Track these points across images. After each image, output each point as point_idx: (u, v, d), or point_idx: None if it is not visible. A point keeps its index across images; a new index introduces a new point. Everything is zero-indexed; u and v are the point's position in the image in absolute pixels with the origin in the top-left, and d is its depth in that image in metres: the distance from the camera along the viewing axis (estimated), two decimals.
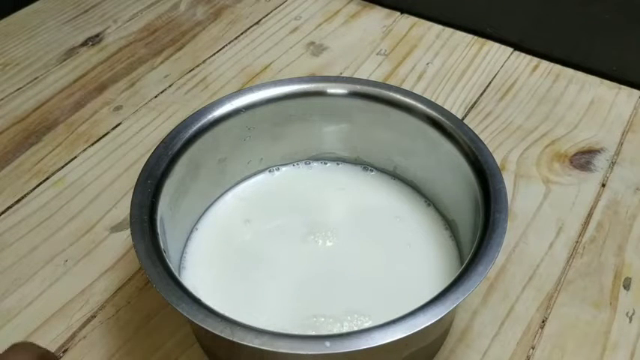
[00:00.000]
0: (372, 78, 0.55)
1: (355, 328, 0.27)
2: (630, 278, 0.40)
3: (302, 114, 0.40)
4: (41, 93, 0.55)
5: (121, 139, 0.50)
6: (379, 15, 0.63)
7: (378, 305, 0.35)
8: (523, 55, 0.58)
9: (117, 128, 0.51)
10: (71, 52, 0.59)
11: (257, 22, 0.63)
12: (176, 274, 0.29)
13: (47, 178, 0.47)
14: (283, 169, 0.43)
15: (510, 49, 0.58)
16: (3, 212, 0.45)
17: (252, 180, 0.42)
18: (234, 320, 0.27)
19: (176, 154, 0.35)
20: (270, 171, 0.43)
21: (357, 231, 0.39)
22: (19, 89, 0.55)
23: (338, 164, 0.43)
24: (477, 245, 0.30)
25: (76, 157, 0.49)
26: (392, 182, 0.42)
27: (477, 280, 0.29)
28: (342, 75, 0.56)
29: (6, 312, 0.39)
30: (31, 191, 0.46)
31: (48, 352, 0.27)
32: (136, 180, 0.33)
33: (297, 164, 0.43)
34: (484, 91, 0.54)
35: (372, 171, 0.43)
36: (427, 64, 0.57)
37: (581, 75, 0.55)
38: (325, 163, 0.43)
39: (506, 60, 0.57)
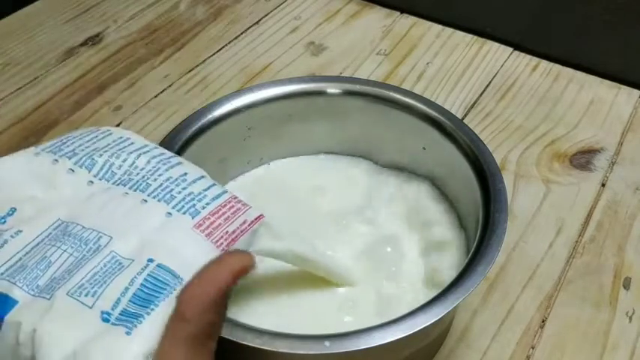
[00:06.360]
0: (372, 78, 0.55)
1: (355, 328, 0.27)
2: (630, 278, 0.40)
3: (302, 114, 0.40)
4: (41, 93, 0.55)
5: None
6: (379, 15, 0.63)
7: (377, 305, 0.35)
8: (523, 55, 0.58)
9: None
10: (71, 52, 0.59)
11: (257, 22, 0.63)
12: None
13: None
14: (281, 163, 0.42)
15: (510, 49, 0.58)
16: None
17: (251, 178, 0.42)
18: (234, 320, 0.27)
19: (176, 154, 0.35)
20: (267, 164, 0.42)
21: (356, 230, 0.39)
22: (19, 89, 0.55)
23: (338, 164, 0.43)
24: (476, 245, 0.30)
25: None
26: (392, 181, 0.42)
27: (477, 280, 0.29)
28: (342, 75, 0.56)
29: None
30: None
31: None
32: None
33: (297, 163, 0.43)
34: (484, 91, 0.54)
35: (371, 170, 0.43)
36: (427, 63, 0.57)
37: (581, 75, 0.55)
38: (325, 163, 0.43)
39: (506, 60, 0.57)
